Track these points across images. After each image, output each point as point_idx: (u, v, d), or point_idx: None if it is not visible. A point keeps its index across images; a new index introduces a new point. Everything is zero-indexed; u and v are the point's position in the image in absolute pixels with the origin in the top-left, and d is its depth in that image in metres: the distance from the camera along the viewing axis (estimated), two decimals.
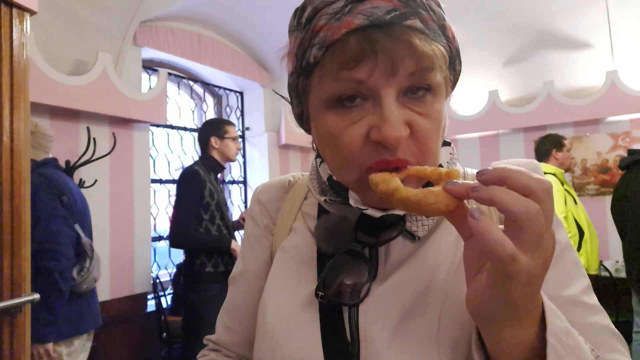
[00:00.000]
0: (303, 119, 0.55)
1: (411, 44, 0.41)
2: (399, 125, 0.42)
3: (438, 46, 0.44)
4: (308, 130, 0.55)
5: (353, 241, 0.50)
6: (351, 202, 0.50)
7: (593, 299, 0.49)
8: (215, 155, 2.46)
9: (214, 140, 2.44)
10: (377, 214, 0.48)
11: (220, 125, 2.49)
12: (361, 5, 0.42)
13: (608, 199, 3.65)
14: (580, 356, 0.37)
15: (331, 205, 0.55)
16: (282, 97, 0.60)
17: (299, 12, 0.49)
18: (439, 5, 0.47)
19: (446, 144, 0.54)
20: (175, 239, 2.28)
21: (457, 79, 0.54)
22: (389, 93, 0.43)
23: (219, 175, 2.54)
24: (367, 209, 0.48)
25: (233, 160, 2.56)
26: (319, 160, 0.58)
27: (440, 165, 0.51)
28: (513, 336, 0.37)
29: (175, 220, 2.28)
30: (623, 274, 2.98)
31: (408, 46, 0.41)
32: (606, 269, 3.25)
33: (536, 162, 0.54)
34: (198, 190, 2.29)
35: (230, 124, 2.55)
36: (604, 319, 0.48)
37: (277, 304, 0.53)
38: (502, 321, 0.37)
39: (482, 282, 0.37)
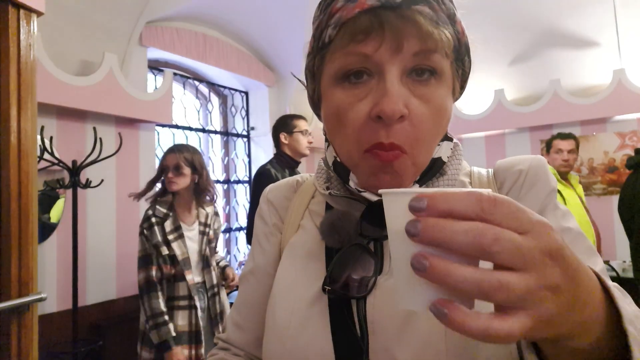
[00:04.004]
0: (315, 100, 0.57)
1: (418, 24, 0.44)
2: (398, 99, 0.44)
3: (444, 31, 0.45)
4: (319, 116, 0.56)
5: (358, 235, 0.50)
6: (351, 183, 0.51)
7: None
8: (287, 150, 2.48)
9: (283, 137, 2.47)
10: (373, 197, 0.49)
11: (289, 120, 2.51)
12: None
13: (615, 199, 3.63)
14: None
15: (335, 200, 0.56)
16: (299, 79, 0.62)
17: (321, 1, 0.51)
18: (450, 1, 0.48)
19: (448, 139, 0.54)
20: (250, 236, 2.41)
21: (467, 79, 0.54)
22: (392, 70, 0.45)
23: (296, 171, 2.54)
24: (364, 192, 0.49)
25: (305, 154, 2.54)
26: (327, 143, 0.59)
27: (440, 159, 0.52)
28: (578, 344, 0.32)
29: (250, 218, 2.49)
30: (630, 274, 2.95)
31: (414, 26, 0.44)
32: (613, 269, 3.22)
33: (541, 157, 0.54)
34: None
35: (300, 117, 2.55)
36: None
37: (286, 299, 0.53)
38: (562, 339, 0.30)
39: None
